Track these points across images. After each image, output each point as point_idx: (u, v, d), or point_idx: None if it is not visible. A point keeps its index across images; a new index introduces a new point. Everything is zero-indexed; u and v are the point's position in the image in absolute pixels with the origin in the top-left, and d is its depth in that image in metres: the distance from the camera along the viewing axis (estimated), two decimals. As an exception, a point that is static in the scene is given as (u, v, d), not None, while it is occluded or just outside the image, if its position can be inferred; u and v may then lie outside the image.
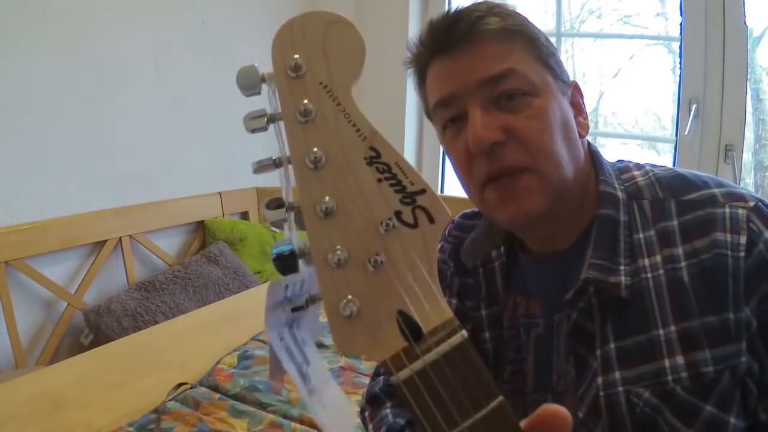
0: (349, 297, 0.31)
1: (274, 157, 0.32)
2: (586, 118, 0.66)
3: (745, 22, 1.93)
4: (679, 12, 2.06)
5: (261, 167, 0.33)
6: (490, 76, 0.58)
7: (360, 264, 0.31)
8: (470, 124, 0.58)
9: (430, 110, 0.65)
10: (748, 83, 1.96)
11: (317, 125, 0.31)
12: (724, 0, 1.94)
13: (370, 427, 0.76)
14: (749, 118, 2.01)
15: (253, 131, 0.32)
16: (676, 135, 2.16)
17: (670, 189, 0.61)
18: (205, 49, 2.28)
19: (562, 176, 0.59)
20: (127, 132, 2.05)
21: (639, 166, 0.66)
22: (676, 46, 2.14)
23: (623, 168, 0.66)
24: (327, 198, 0.31)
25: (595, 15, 2.38)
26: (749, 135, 2.04)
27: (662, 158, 2.28)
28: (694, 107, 2.05)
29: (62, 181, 1.86)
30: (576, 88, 0.66)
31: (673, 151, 2.20)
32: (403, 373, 0.30)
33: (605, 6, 2.35)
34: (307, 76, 0.31)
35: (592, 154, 0.66)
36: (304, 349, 0.36)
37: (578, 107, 0.65)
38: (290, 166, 0.32)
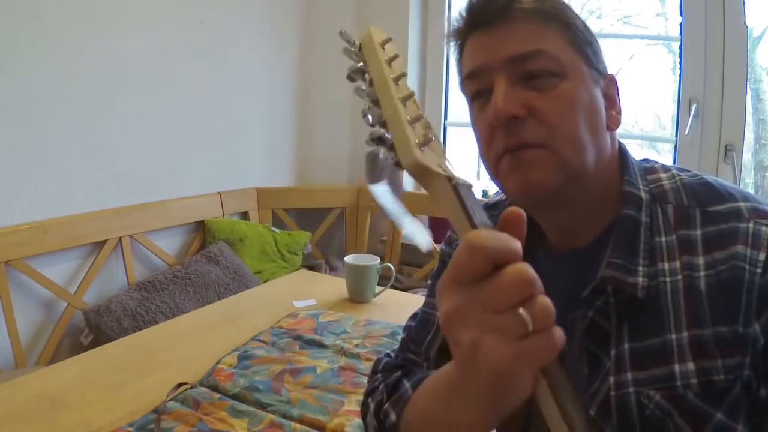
0: (420, 137, 0.45)
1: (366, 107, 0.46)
2: (619, 112, 0.65)
3: (745, 22, 1.93)
4: (679, 12, 2.06)
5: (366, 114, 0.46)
6: (520, 54, 0.59)
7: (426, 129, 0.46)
8: (494, 95, 0.59)
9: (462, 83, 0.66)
10: (748, 83, 1.96)
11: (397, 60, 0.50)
12: (724, 0, 1.94)
13: (372, 407, 0.75)
14: (749, 118, 2.01)
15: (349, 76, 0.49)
16: (676, 135, 2.16)
17: (696, 196, 0.61)
18: (204, 50, 2.29)
19: (580, 160, 0.59)
20: (127, 132, 2.05)
21: (666, 168, 0.66)
22: (676, 46, 2.15)
23: (649, 168, 0.66)
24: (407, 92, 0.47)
25: (595, 15, 2.38)
26: (749, 135, 2.05)
27: (662, 158, 2.29)
28: (694, 107, 2.05)
29: (62, 181, 1.87)
30: (612, 82, 0.65)
31: (673, 151, 2.20)
32: (454, 180, 0.42)
33: (605, 6, 2.35)
34: (387, 46, 0.50)
35: (621, 154, 0.66)
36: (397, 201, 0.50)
37: (612, 100, 0.65)
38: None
